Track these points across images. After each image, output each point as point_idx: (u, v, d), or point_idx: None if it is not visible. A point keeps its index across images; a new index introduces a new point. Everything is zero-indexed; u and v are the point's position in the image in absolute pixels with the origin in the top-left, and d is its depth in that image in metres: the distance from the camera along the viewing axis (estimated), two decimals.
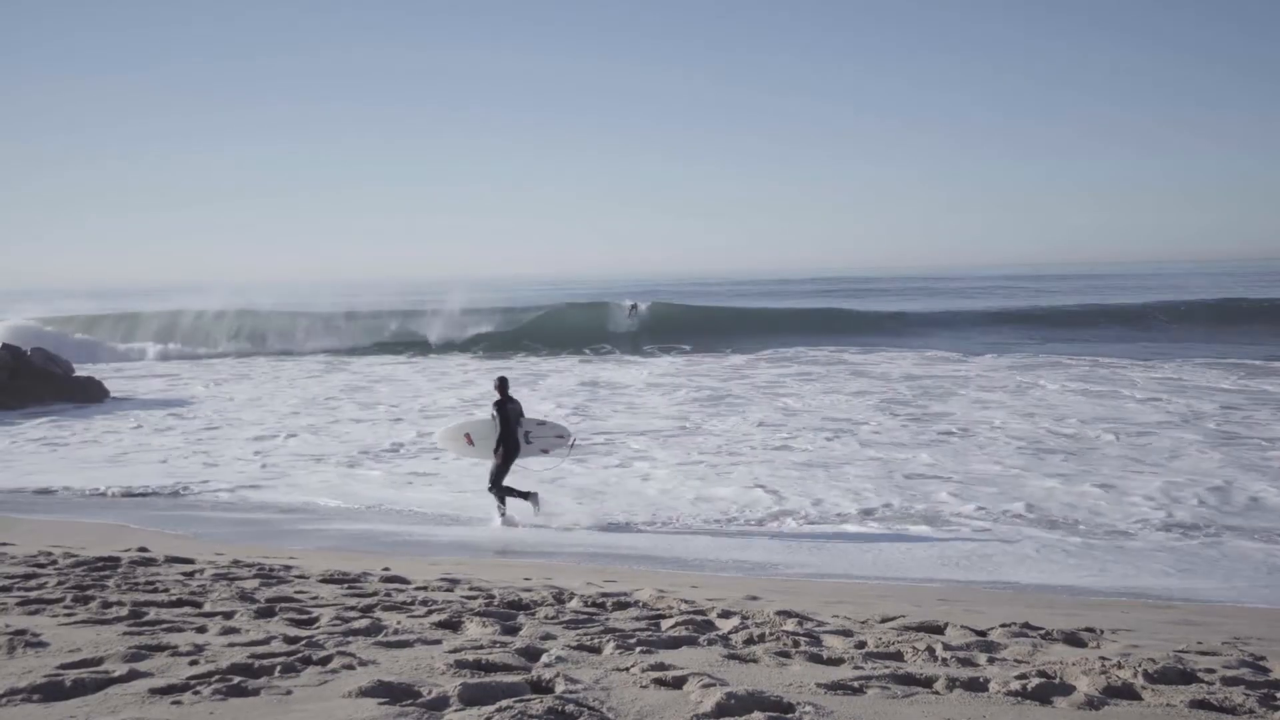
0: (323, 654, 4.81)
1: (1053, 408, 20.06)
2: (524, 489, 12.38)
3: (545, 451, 12.95)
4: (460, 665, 4.65)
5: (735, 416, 19.96)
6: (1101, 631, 6.14)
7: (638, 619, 6.17)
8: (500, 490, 12.34)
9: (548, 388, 25.90)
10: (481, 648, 5.06)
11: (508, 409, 12.58)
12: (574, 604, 6.70)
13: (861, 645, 5.45)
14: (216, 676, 4.37)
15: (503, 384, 12.90)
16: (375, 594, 6.96)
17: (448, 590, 7.26)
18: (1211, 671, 5.00)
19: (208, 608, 6.21)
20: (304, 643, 5.10)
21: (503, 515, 12.21)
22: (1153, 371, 26.00)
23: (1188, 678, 4.82)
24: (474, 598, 6.83)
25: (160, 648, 4.93)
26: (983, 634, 5.91)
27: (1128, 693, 4.53)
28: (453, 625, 5.78)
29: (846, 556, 10.18)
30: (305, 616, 5.96)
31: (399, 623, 5.74)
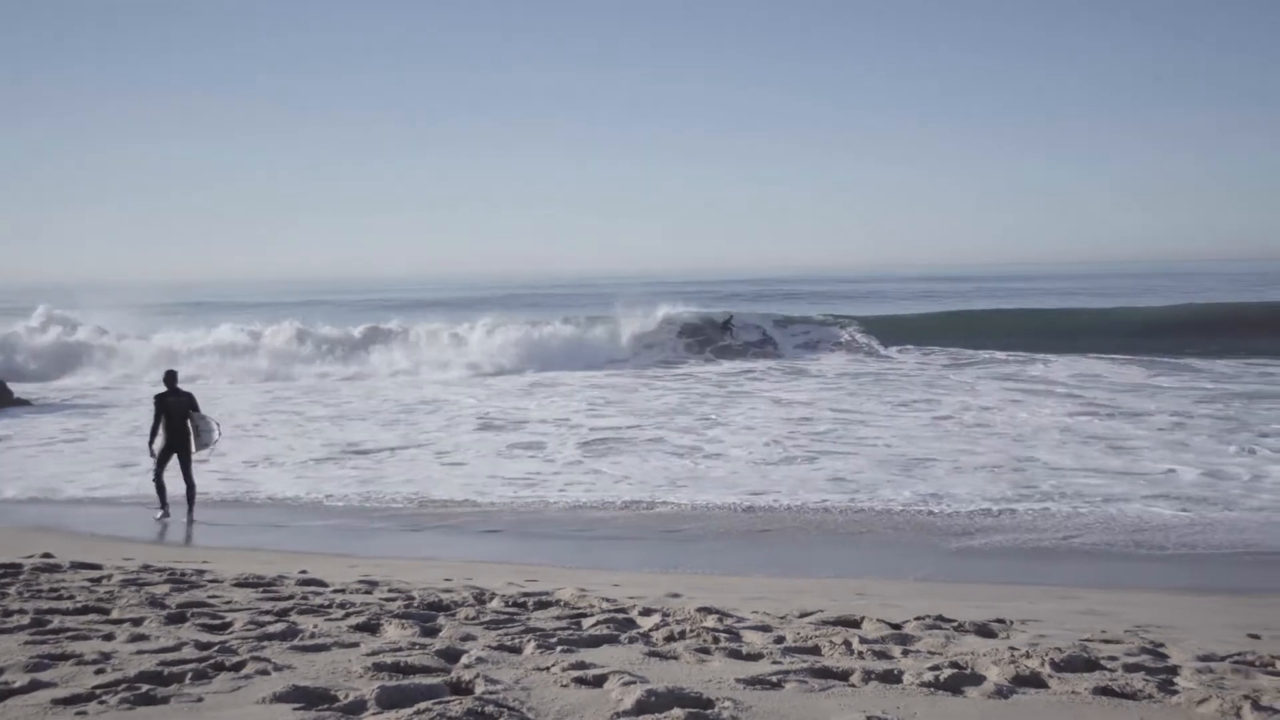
0: (236, 659, 4.71)
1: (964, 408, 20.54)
2: (165, 499, 12.23)
3: (202, 446, 12.74)
4: (378, 668, 4.59)
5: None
6: (1011, 622, 6.32)
7: (559, 618, 6.17)
8: (158, 483, 12.27)
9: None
10: (400, 650, 5.02)
11: (168, 401, 12.52)
12: (495, 604, 6.67)
13: (780, 640, 5.53)
14: (124, 685, 4.26)
15: (170, 377, 12.87)
16: (291, 597, 6.83)
17: (366, 593, 7.17)
18: (1114, 659, 5.18)
19: (115, 614, 6.04)
20: (216, 648, 4.99)
21: (162, 509, 12.17)
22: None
23: (1092, 666, 4.99)
24: (393, 599, 6.76)
25: (64, 656, 4.78)
26: (898, 627, 6.03)
27: (1035, 681, 4.67)
28: (371, 628, 5.71)
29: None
30: (218, 622, 5.83)
31: (315, 626, 5.65)
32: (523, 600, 6.78)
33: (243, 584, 7.43)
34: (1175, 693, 4.50)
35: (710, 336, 31.75)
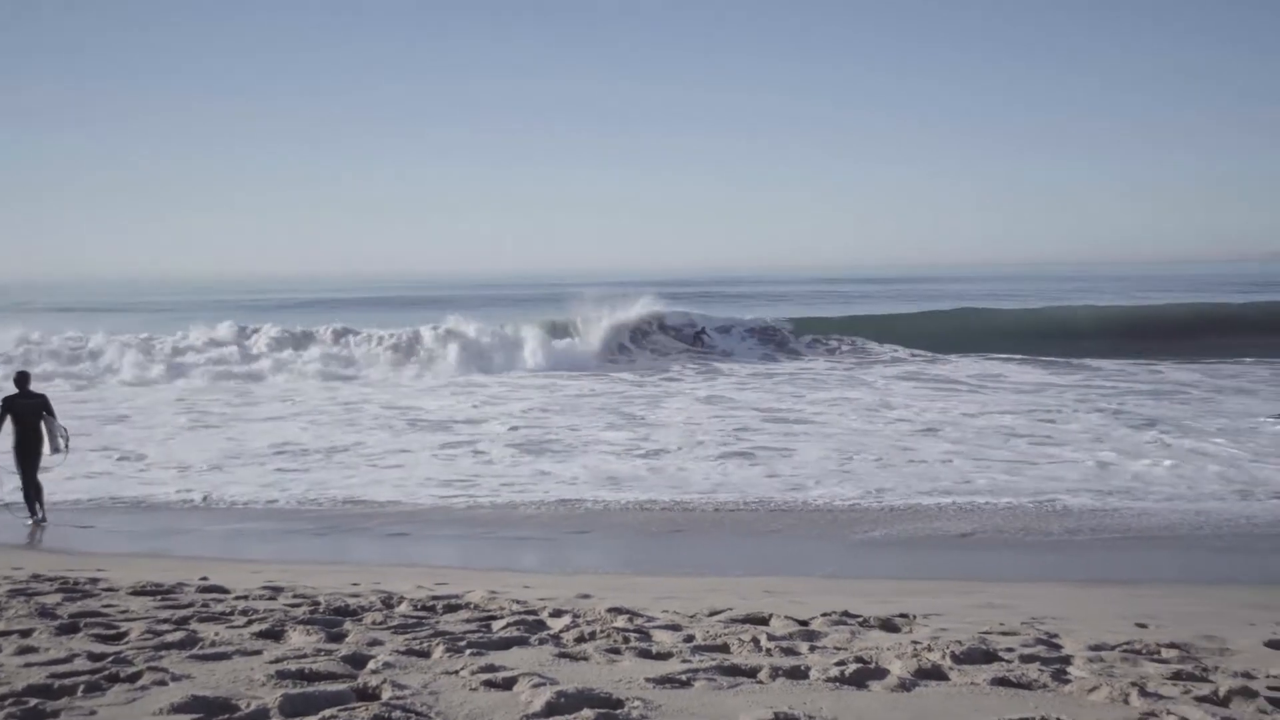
0: (131, 670, 4.57)
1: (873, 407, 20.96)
2: (32, 504, 12.05)
3: (55, 450, 12.44)
4: (282, 675, 4.50)
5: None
6: (914, 617, 6.47)
7: (468, 621, 6.12)
8: (24, 490, 12.10)
9: None
10: (305, 656, 4.92)
11: (17, 404, 12.28)
12: (403, 608, 6.59)
13: (690, 639, 5.57)
14: (10, 699, 4.09)
15: (20, 378, 12.67)
16: (191, 605, 6.65)
17: (270, 599, 7.01)
18: (1011, 650, 5.35)
19: (2, 626, 5.79)
20: (110, 659, 4.83)
21: (32, 516, 11.98)
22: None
23: (990, 657, 5.14)
24: (298, 605, 6.62)
25: None
26: (805, 623, 6.13)
27: (936, 674, 4.79)
28: (275, 635, 5.58)
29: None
30: (113, 631, 5.64)
31: (216, 634, 5.51)
32: (432, 604, 6.71)
33: (140, 592, 7.19)
34: (1068, 682, 4.67)
35: (655, 338, 31.61)
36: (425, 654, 5.06)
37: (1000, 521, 11.29)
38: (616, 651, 5.19)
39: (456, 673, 4.64)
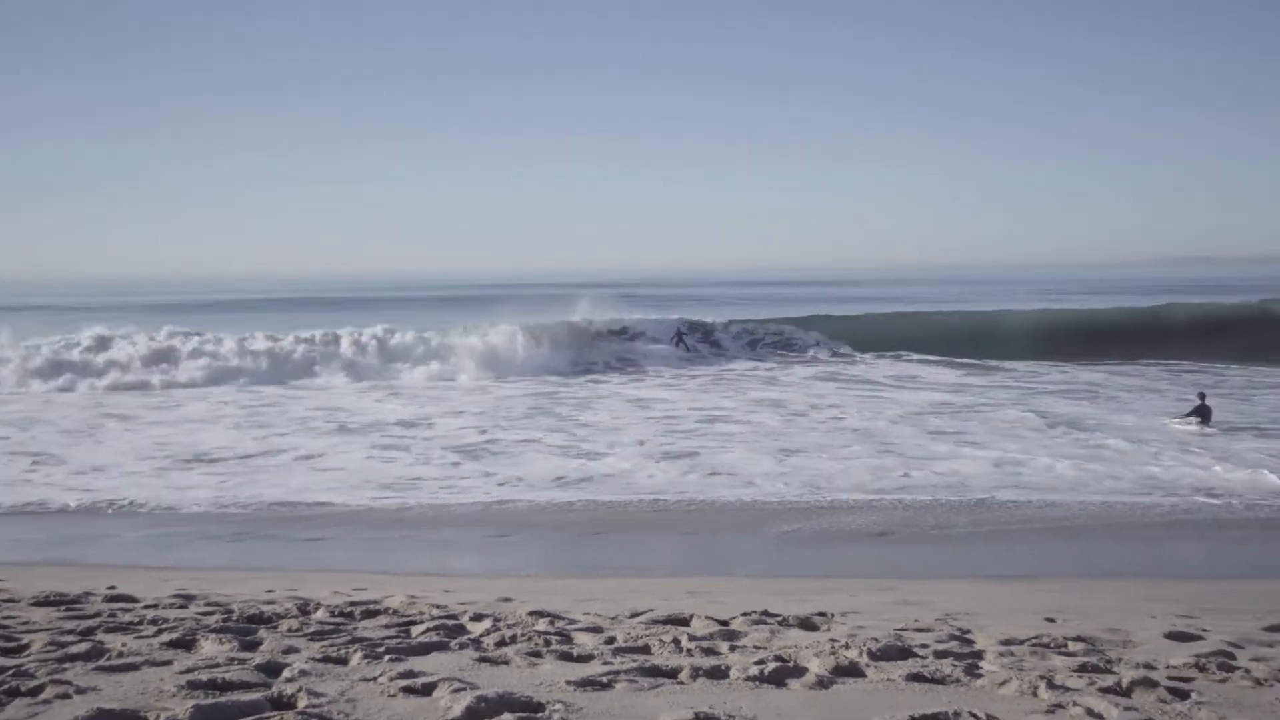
0: (33, 684, 4.41)
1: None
2: None
3: None
4: (193, 686, 4.38)
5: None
6: (832, 615, 6.57)
7: (387, 626, 6.04)
8: None
9: None
10: (217, 666, 4.80)
11: None
12: (320, 614, 6.47)
13: (611, 641, 5.58)
14: None
15: None
16: (98, 615, 6.44)
17: (181, 607, 6.82)
18: (926, 647, 5.46)
19: None
20: (10, 673, 4.65)
21: None
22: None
23: (905, 654, 5.25)
24: (210, 613, 6.46)
25: None
26: (725, 623, 6.18)
27: (854, 671, 4.87)
28: (185, 644, 5.44)
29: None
30: (13, 644, 5.44)
31: (124, 645, 5.34)
32: (349, 609, 6.60)
33: (42, 602, 6.94)
34: (980, 676, 4.79)
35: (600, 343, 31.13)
36: (343, 661, 4.98)
37: (916, 517, 11.51)
38: (538, 655, 5.17)
39: (375, 679, 4.58)
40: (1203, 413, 16.87)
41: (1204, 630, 6.18)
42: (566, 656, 5.16)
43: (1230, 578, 9.11)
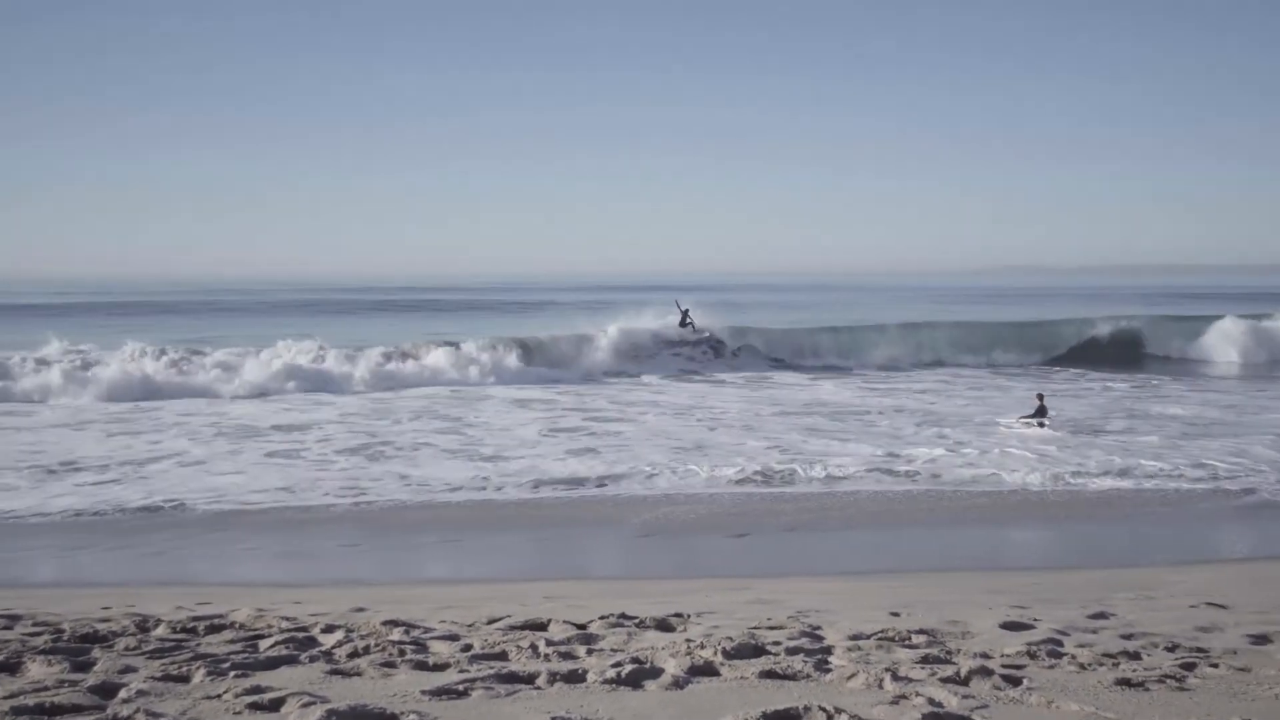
0: None
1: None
2: None
3: None
4: (17, 711, 4.13)
5: None
6: (689, 616, 6.66)
7: (233, 641, 5.82)
8: None
9: None
10: (46, 689, 4.54)
11: None
12: (160, 631, 6.18)
13: (468, 648, 5.52)
14: None
15: None
16: None
17: (6, 628, 6.41)
18: (778, 644, 5.60)
19: None
20: None
21: None
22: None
23: (759, 651, 5.37)
24: (38, 634, 6.09)
25: None
26: (583, 627, 6.20)
27: (709, 670, 4.96)
28: (10, 667, 5.12)
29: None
30: None
31: None
32: (192, 625, 6.33)
33: None
34: (829, 671, 4.94)
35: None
36: (184, 679, 4.78)
37: (781, 511, 11.79)
38: (392, 665, 5.08)
39: (219, 696, 4.41)
40: (1042, 413, 17.80)
41: (1035, 620, 6.53)
42: (422, 666, 5.08)
43: (1059, 569, 9.65)
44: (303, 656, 5.28)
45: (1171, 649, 5.67)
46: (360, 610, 7.17)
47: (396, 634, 5.93)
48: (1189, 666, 5.16)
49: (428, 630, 6.14)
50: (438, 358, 27.28)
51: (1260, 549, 10.60)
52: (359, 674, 4.90)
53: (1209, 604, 7.21)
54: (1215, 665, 5.22)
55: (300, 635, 5.92)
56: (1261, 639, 5.98)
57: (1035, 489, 13.30)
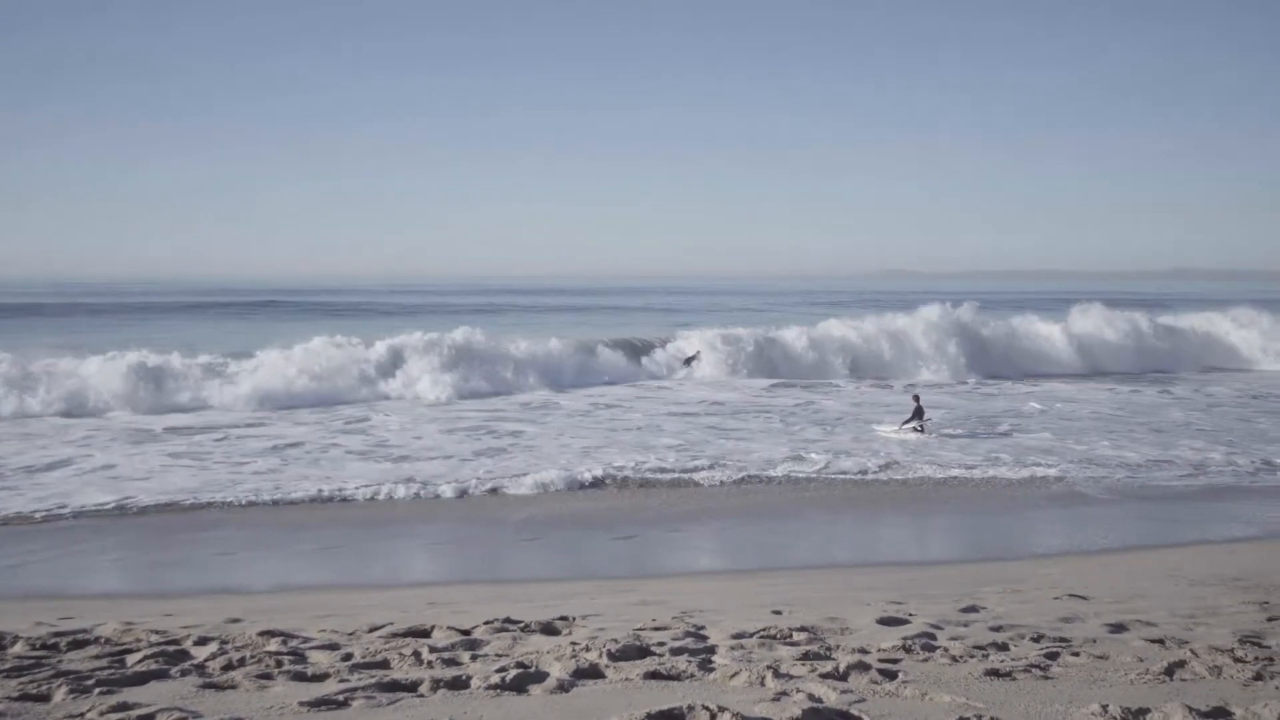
0: None
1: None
2: None
3: None
4: None
5: None
6: (574, 619, 6.66)
7: (98, 657, 5.57)
8: None
9: None
10: None
11: None
12: (18, 649, 5.87)
13: (348, 657, 5.41)
14: None
15: None
16: None
17: None
18: (663, 645, 5.65)
19: None
20: None
21: None
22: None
23: (644, 653, 5.40)
24: None
25: None
26: (467, 632, 6.14)
27: (594, 673, 4.97)
28: None
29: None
30: None
31: None
32: (53, 641, 6.03)
33: None
34: (713, 670, 5.01)
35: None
36: (44, 698, 4.56)
37: (659, 515, 11.87)
38: (268, 676, 4.94)
39: (82, 715, 4.23)
40: (919, 414, 18.33)
41: (910, 615, 6.74)
42: (300, 677, 4.96)
43: (935, 563, 9.97)
44: (173, 671, 5.09)
45: (1037, 639, 5.92)
46: (235, 621, 6.95)
47: (274, 644, 5.77)
48: (1053, 656, 5.40)
49: (306, 640, 5.99)
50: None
51: (1119, 541, 11.14)
52: (234, 687, 4.75)
53: (1071, 595, 7.56)
54: (1076, 654, 5.47)
55: (171, 649, 5.70)
56: (1118, 627, 6.30)
57: (913, 485, 13.72)
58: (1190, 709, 4.22)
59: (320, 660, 5.34)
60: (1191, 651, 5.45)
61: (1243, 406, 22.89)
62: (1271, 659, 5.31)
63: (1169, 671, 4.96)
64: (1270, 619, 6.59)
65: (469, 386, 24.32)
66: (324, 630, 6.34)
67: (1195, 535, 11.14)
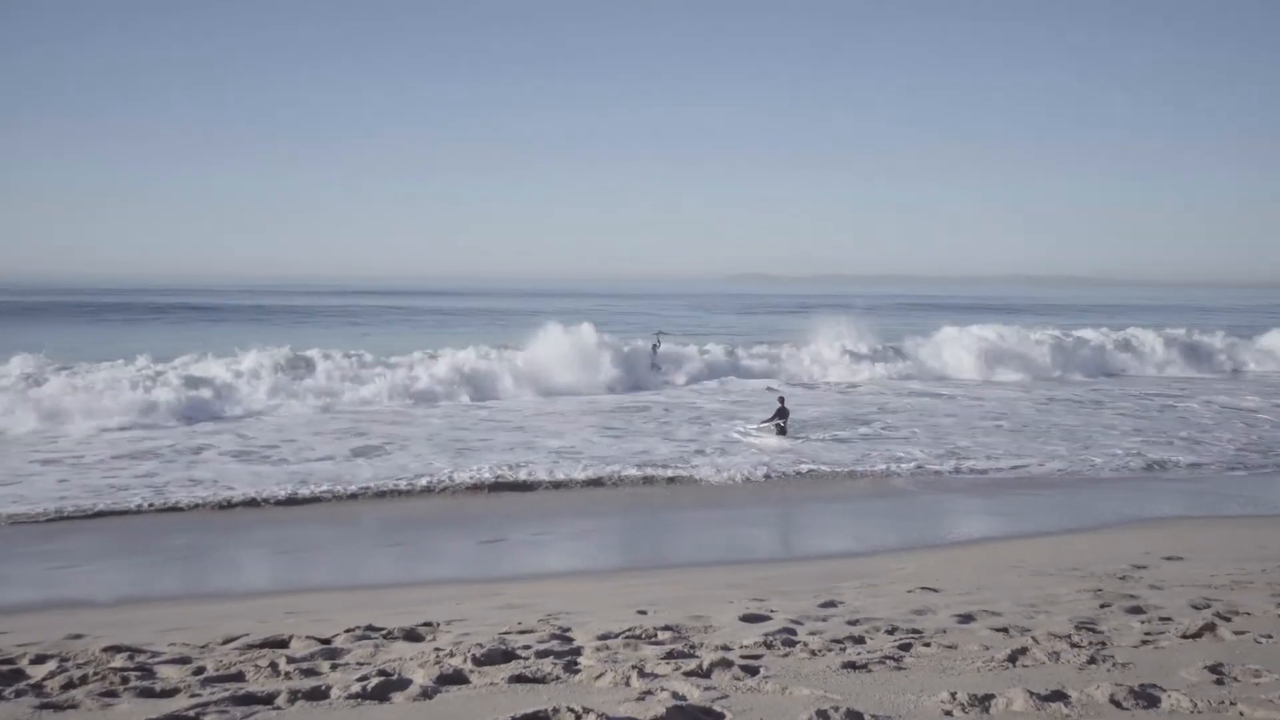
0: None
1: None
2: None
3: None
4: None
5: None
6: (438, 624, 6.56)
7: None
8: None
9: None
10: None
11: None
12: None
13: (200, 671, 5.21)
14: None
15: None
16: None
17: None
18: (528, 648, 5.63)
19: None
20: None
21: None
22: None
23: (509, 656, 5.37)
24: None
25: None
26: (327, 641, 5.98)
27: (458, 678, 4.92)
28: None
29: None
30: None
31: None
32: None
33: None
34: (578, 672, 5.02)
35: None
36: None
37: (524, 517, 11.82)
38: (113, 694, 4.71)
39: None
40: (783, 414, 18.73)
41: (771, 611, 6.89)
42: (148, 693, 4.75)
43: (794, 560, 10.23)
44: (7, 691, 4.80)
45: (891, 632, 6.14)
46: (78, 637, 6.59)
47: (119, 660, 5.50)
48: (905, 647, 5.61)
49: (155, 654, 5.73)
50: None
51: (967, 534, 11.64)
52: (74, 706, 4.52)
53: (923, 588, 7.86)
54: (928, 645, 5.70)
55: (4, 668, 5.37)
56: (967, 618, 6.58)
57: (772, 483, 14.04)
58: (1031, 693, 4.45)
59: (170, 675, 5.12)
60: (1033, 639, 5.74)
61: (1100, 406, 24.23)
62: (1104, 643, 5.64)
63: (1012, 658, 5.22)
64: (1103, 605, 7.00)
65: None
66: (174, 644, 6.08)
67: (1035, 527, 11.74)
